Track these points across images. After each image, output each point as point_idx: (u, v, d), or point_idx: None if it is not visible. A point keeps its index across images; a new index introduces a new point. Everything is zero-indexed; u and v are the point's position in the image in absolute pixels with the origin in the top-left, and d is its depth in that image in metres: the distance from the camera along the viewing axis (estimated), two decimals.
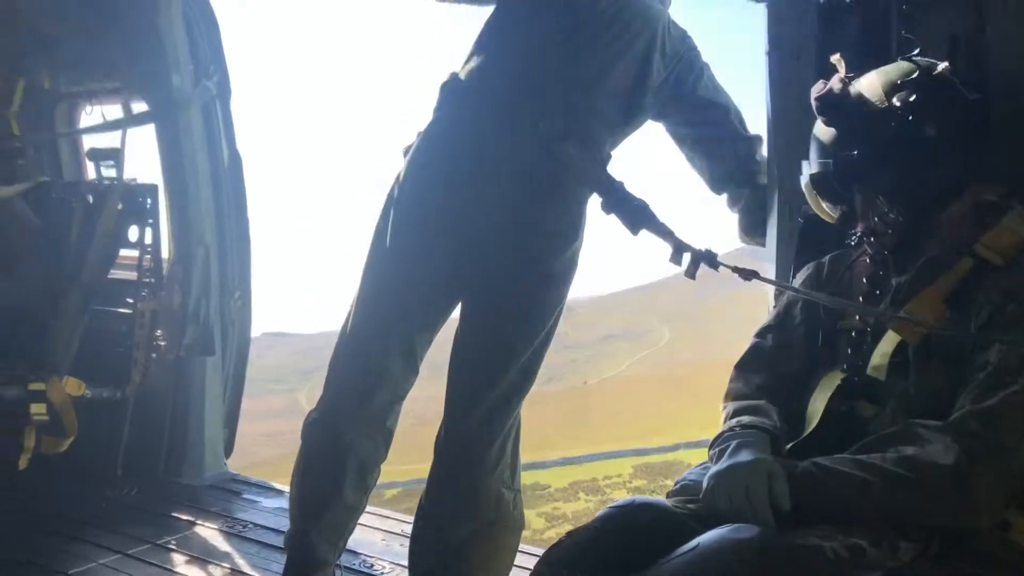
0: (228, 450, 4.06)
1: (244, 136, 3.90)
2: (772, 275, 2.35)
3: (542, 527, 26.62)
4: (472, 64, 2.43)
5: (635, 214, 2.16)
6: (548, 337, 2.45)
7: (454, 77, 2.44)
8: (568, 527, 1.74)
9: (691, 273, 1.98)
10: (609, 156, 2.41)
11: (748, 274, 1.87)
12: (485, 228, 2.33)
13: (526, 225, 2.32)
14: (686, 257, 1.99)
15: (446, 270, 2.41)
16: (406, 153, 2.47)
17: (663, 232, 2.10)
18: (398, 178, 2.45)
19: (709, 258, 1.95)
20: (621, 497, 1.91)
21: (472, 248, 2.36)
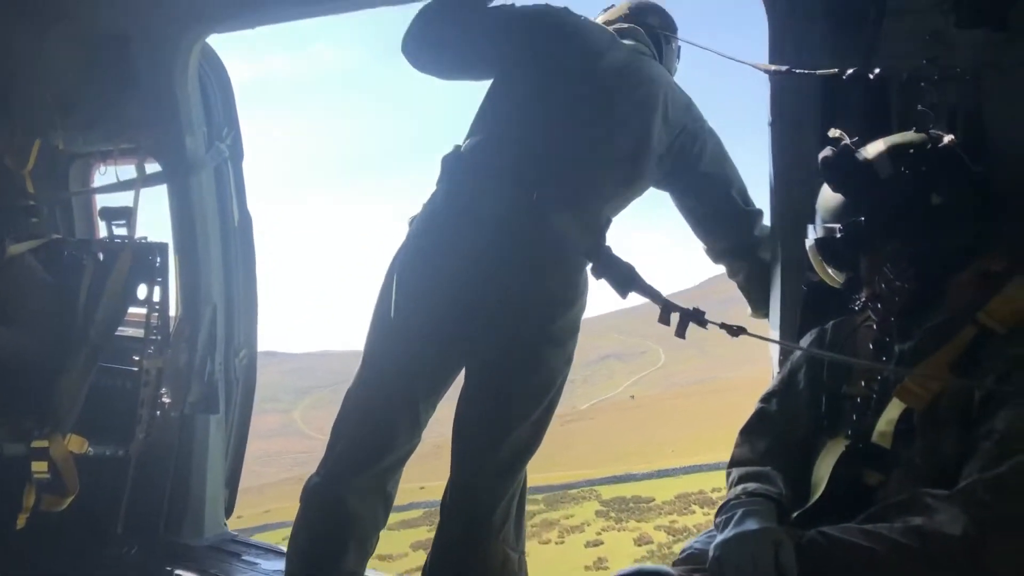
0: (229, 510, 4.02)
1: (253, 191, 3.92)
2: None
3: (666, 541, 25.56)
4: (473, 138, 2.49)
5: (623, 278, 2.21)
6: (554, 400, 2.45)
7: (456, 150, 2.49)
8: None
9: (681, 332, 2.02)
10: (608, 221, 2.44)
11: (736, 331, 1.89)
12: (488, 295, 2.36)
13: (527, 291, 2.36)
14: (675, 316, 2.03)
15: (451, 338, 2.43)
16: (411, 223, 2.50)
17: (651, 294, 2.17)
18: (403, 248, 2.48)
19: (697, 317, 1.99)
20: None
21: (476, 315, 2.38)
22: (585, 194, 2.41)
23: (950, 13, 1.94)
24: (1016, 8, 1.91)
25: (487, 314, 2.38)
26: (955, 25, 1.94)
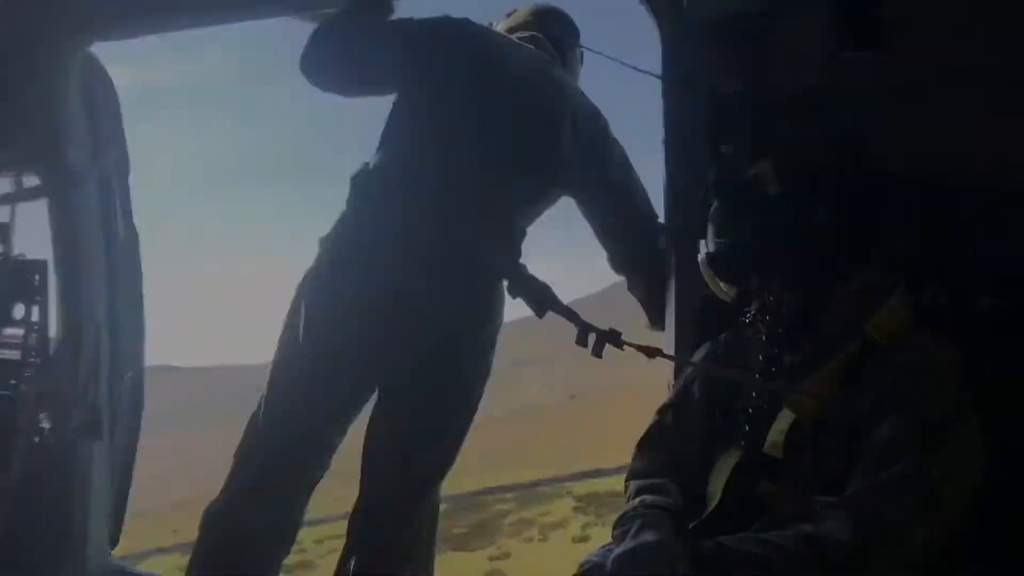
0: (114, 541, 3.82)
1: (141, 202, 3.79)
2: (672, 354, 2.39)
3: None
4: (382, 155, 2.43)
5: (539, 298, 2.20)
6: (468, 420, 2.43)
7: (365, 168, 2.43)
8: None
9: (597, 352, 2.02)
10: (523, 232, 2.43)
11: (652, 352, 1.91)
12: (402, 314, 2.31)
13: (443, 309, 2.32)
14: (592, 337, 2.03)
15: (362, 363, 2.36)
16: (322, 244, 2.43)
17: (568, 314, 2.16)
18: (313, 269, 2.41)
19: (613, 337, 2.00)
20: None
21: (390, 334, 2.33)
22: (499, 207, 2.39)
23: (835, 35, 2.01)
24: (897, 30, 1.99)
25: (402, 332, 2.32)
26: (839, 47, 2.01)
